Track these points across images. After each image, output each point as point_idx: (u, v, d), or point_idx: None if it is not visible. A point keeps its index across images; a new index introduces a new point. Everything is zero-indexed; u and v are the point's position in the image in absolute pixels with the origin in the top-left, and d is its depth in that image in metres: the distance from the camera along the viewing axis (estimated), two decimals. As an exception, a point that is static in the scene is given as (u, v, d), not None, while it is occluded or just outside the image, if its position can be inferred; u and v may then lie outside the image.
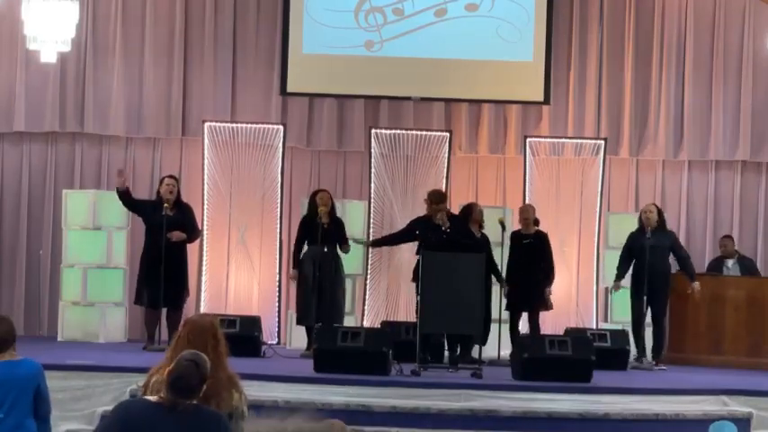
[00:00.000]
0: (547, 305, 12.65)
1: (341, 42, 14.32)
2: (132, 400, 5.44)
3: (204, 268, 13.87)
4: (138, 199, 12.68)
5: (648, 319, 12.60)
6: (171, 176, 12.79)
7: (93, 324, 13.33)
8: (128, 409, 5.10)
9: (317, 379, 10.35)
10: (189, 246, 12.79)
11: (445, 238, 11.50)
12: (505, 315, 12.59)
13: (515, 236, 12.68)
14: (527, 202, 13.53)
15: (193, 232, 12.71)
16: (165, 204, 12.34)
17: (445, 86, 14.38)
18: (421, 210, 12.59)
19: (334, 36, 14.31)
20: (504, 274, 12.53)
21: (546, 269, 12.60)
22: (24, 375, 6.70)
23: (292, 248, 12.93)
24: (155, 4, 14.39)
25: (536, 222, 12.79)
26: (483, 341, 11.68)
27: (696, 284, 12.56)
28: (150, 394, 5.35)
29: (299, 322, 12.72)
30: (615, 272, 12.77)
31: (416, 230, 11.96)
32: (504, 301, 12.59)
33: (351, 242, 12.78)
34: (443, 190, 13.00)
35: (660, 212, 12.86)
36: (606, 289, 13.85)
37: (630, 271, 12.71)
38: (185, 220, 12.56)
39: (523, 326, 12.83)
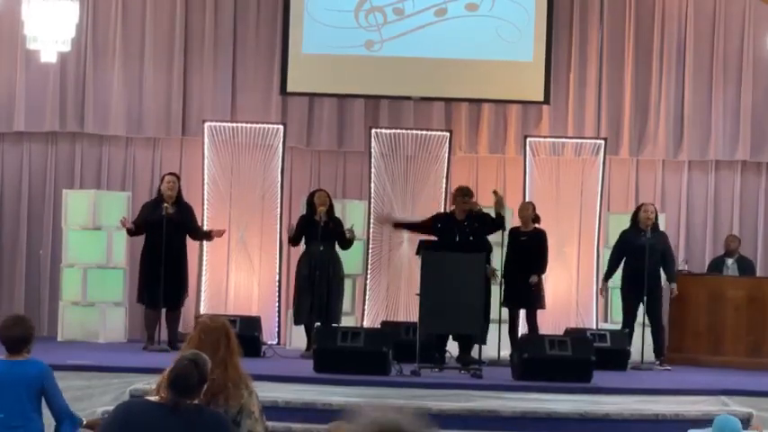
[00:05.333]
0: (541, 303, 12.61)
1: (341, 42, 14.32)
2: (133, 400, 5.45)
3: (204, 268, 13.87)
4: (141, 221, 12.63)
5: (645, 319, 12.59)
6: (172, 174, 12.87)
7: (93, 324, 13.33)
8: (129, 409, 5.09)
9: (317, 379, 10.35)
10: (189, 245, 12.81)
11: (467, 233, 11.52)
12: (505, 315, 12.58)
13: (513, 233, 12.67)
14: (527, 200, 13.51)
15: (197, 233, 12.79)
16: (165, 205, 12.36)
17: (445, 86, 14.37)
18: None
19: (334, 36, 14.30)
20: (501, 271, 12.54)
21: (538, 263, 12.57)
22: (27, 375, 6.72)
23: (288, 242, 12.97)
24: (155, 4, 14.39)
25: (536, 219, 12.78)
26: (482, 340, 11.67)
27: (674, 286, 12.64)
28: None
29: (295, 322, 12.76)
30: (616, 273, 12.80)
31: (438, 224, 11.88)
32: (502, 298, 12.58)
33: (349, 232, 12.65)
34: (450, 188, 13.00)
35: (656, 213, 12.87)
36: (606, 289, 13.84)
37: (622, 271, 12.70)
38: (185, 219, 12.60)
39: (522, 326, 12.82)
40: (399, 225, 12.62)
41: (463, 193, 11.88)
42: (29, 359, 6.81)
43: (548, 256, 12.70)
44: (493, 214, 11.88)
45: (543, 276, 12.70)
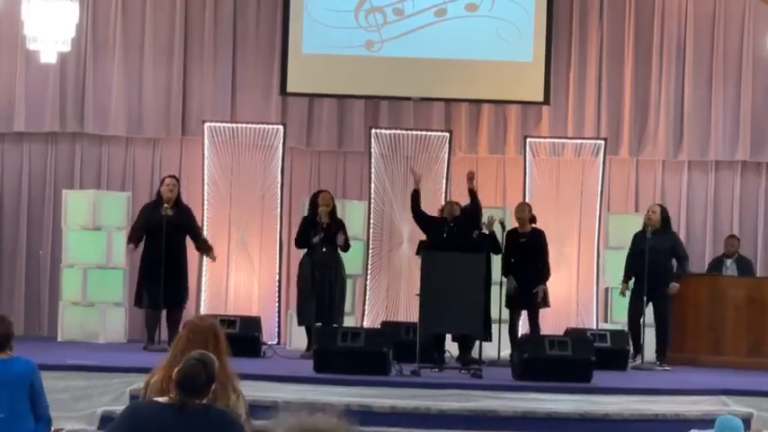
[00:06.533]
0: (546, 302, 12.62)
1: (341, 42, 14.32)
2: (141, 401, 5.42)
3: (204, 268, 13.86)
4: (140, 225, 12.63)
5: (650, 319, 12.61)
6: (172, 176, 12.89)
7: (93, 324, 13.33)
8: (137, 411, 5.07)
9: (317, 379, 10.36)
10: (188, 246, 12.80)
11: (453, 228, 11.66)
12: (505, 315, 12.58)
13: (511, 235, 12.66)
14: (525, 201, 13.50)
15: (198, 238, 12.78)
16: (166, 205, 12.38)
17: (445, 86, 14.37)
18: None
19: (334, 36, 14.30)
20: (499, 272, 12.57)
21: (540, 267, 12.59)
22: (16, 374, 6.73)
23: (295, 244, 12.96)
24: (155, 4, 14.40)
25: (533, 220, 12.78)
26: (486, 338, 11.67)
27: (673, 285, 12.55)
28: (150, 395, 5.34)
29: (298, 323, 12.75)
30: (622, 274, 12.81)
31: (431, 221, 12.03)
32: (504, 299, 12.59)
33: (342, 238, 12.64)
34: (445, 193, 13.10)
35: (664, 213, 12.85)
36: (606, 289, 13.85)
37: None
38: (185, 222, 12.60)
39: (523, 325, 12.82)
40: (416, 196, 12.08)
41: (452, 203, 12.16)
42: (15, 357, 6.82)
43: (548, 259, 12.70)
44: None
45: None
